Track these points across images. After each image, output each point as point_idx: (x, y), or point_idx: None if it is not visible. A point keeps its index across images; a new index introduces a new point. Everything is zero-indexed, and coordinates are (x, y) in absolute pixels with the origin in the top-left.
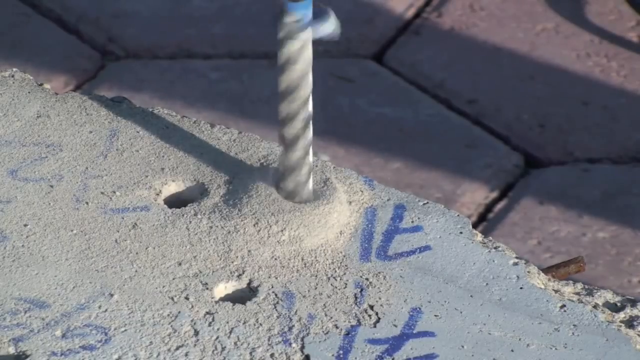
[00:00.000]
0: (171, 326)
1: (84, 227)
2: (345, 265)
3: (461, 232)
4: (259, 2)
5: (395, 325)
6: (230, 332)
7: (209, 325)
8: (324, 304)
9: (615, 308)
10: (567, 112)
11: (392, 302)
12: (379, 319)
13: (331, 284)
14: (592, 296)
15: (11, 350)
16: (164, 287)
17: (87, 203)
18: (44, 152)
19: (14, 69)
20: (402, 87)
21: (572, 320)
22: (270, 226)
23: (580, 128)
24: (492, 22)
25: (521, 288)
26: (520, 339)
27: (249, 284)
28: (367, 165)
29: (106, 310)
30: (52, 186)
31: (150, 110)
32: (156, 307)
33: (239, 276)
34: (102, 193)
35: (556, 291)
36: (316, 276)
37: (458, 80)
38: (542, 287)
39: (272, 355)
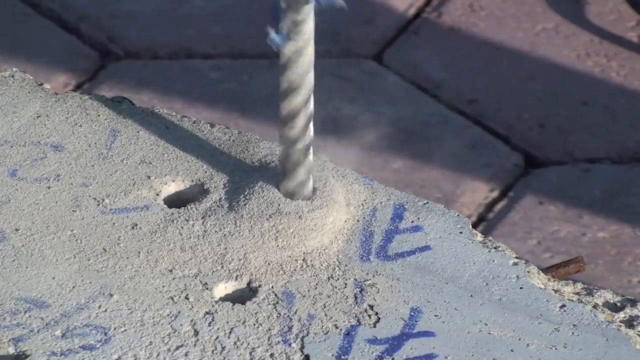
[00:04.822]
0: (171, 326)
1: (83, 227)
2: (345, 266)
3: (461, 232)
4: (259, 2)
5: (396, 325)
6: (230, 332)
7: (209, 325)
8: (324, 304)
9: (615, 308)
10: (567, 112)
11: (392, 302)
12: (379, 319)
13: (331, 284)
14: (592, 296)
15: (11, 350)
16: (163, 287)
17: (87, 203)
18: (44, 152)
19: (14, 69)
20: (402, 87)
21: (572, 320)
22: (270, 228)
23: (580, 128)
24: (492, 22)
25: (521, 288)
26: (520, 339)
27: (248, 284)
28: (367, 165)
29: (106, 310)
30: (51, 186)
31: (150, 110)
32: (156, 307)
33: (238, 276)
34: (101, 193)
35: (556, 291)
36: (316, 276)
37: (458, 80)
38: (542, 287)
39: (271, 355)
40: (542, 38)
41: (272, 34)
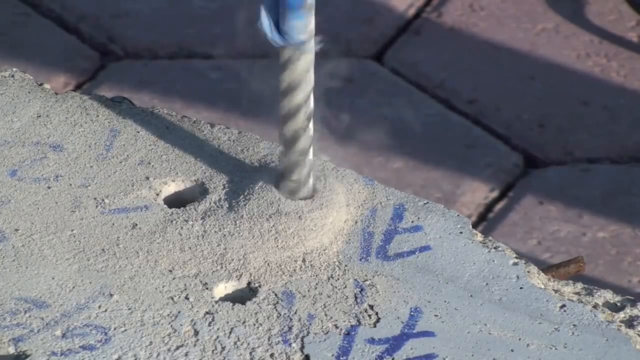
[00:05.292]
0: (171, 326)
1: (83, 227)
2: (345, 266)
3: (461, 232)
4: (259, 2)
5: (396, 325)
6: (230, 332)
7: (209, 325)
8: (324, 304)
9: (615, 308)
10: (567, 112)
11: (392, 302)
12: (379, 318)
13: (331, 284)
14: (592, 296)
15: (11, 350)
16: (163, 287)
17: (86, 203)
18: (44, 152)
19: (14, 69)
20: (402, 87)
21: (572, 320)
22: (269, 229)
23: (580, 128)
24: (492, 22)
25: (521, 288)
26: (520, 339)
27: (248, 284)
28: (367, 165)
29: (106, 310)
30: (51, 186)
31: (150, 110)
32: (156, 307)
33: (238, 276)
34: (101, 193)
35: (556, 291)
36: (316, 276)
37: (458, 80)
38: (542, 287)
39: (272, 355)
40: (542, 38)
41: (270, 33)
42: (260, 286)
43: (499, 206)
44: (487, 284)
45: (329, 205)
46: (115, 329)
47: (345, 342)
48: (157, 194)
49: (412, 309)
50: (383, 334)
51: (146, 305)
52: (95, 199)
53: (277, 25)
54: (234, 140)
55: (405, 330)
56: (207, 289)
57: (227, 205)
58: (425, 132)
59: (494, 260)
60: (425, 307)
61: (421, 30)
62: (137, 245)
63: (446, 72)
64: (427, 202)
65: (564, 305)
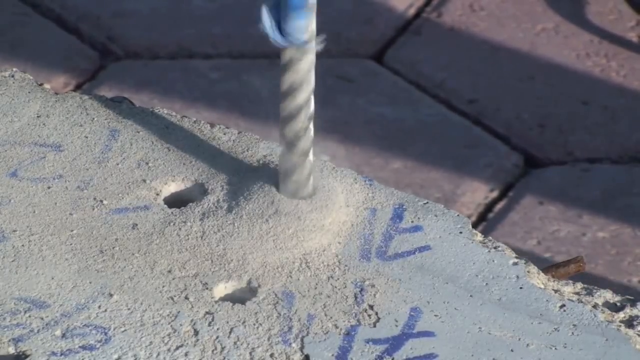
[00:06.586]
0: (171, 326)
1: (83, 227)
2: (345, 266)
3: (461, 232)
4: (259, 2)
5: (395, 325)
6: (230, 332)
7: (209, 325)
8: (324, 304)
9: (615, 308)
10: (567, 112)
11: (392, 302)
12: (379, 318)
13: (331, 284)
14: (592, 296)
15: (11, 350)
16: (163, 287)
17: (86, 203)
18: (44, 152)
19: (14, 69)
20: (402, 87)
21: (572, 320)
22: (269, 230)
23: (580, 128)
24: (492, 22)
25: (521, 288)
26: (520, 339)
27: (248, 284)
28: (367, 165)
29: (106, 310)
30: (51, 186)
31: (150, 110)
32: (156, 307)
33: (237, 276)
34: (101, 193)
35: (556, 291)
36: (316, 276)
37: (458, 80)
38: (542, 287)
39: (271, 355)
40: (542, 38)
41: (272, 33)
42: (260, 286)
43: (499, 206)
44: (487, 284)
45: (328, 205)
46: (115, 329)
47: (345, 342)
48: (157, 194)
49: (412, 309)
50: (383, 334)
51: (146, 305)
52: (95, 199)
53: (279, 25)
54: (233, 140)
55: (405, 330)
56: (207, 289)
57: (226, 206)
58: (425, 132)
59: (494, 260)
60: (425, 307)
61: (421, 30)
62: (137, 246)
63: (446, 72)
64: (427, 202)
65: (563, 305)
